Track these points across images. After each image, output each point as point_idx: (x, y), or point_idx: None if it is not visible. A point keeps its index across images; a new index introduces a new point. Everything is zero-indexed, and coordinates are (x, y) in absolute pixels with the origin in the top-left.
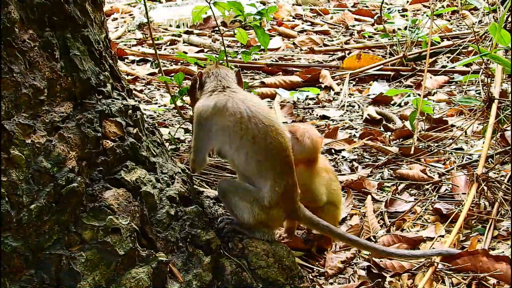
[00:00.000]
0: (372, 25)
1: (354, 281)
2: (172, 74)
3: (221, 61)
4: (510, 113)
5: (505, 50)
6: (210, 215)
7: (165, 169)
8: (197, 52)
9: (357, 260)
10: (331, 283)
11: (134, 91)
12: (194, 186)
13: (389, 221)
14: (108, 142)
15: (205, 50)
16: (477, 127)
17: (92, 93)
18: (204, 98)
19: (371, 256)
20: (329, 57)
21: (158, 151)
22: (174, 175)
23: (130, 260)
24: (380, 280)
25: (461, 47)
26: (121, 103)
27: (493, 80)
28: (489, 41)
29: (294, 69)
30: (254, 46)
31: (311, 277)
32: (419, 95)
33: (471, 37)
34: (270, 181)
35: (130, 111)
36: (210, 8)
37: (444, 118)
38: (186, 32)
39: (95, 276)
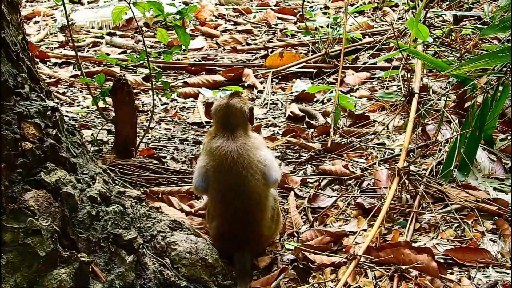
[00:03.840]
0: (295, 23)
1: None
2: (95, 76)
3: (142, 62)
4: (430, 107)
5: (425, 45)
6: (132, 215)
7: (85, 170)
8: (120, 53)
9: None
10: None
11: (56, 94)
12: (116, 186)
13: (312, 217)
14: (27, 144)
15: (128, 51)
16: (399, 122)
17: (9, 95)
18: None
19: (295, 251)
20: (252, 55)
21: (78, 152)
22: (95, 175)
23: (52, 261)
24: (304, 273)
25: (380, 43)
26: (40, 105)
27: (413, 75)
28: (409, 37)
29: (217, 68)
30: (175, 46)
31: (234, 273)
32: (341, 91)
33: (391, 33)
34: None
35: (49, 113)
36: (130, 8)
37: (366, 114)
38: (109, 34)
39: (16, 278)
